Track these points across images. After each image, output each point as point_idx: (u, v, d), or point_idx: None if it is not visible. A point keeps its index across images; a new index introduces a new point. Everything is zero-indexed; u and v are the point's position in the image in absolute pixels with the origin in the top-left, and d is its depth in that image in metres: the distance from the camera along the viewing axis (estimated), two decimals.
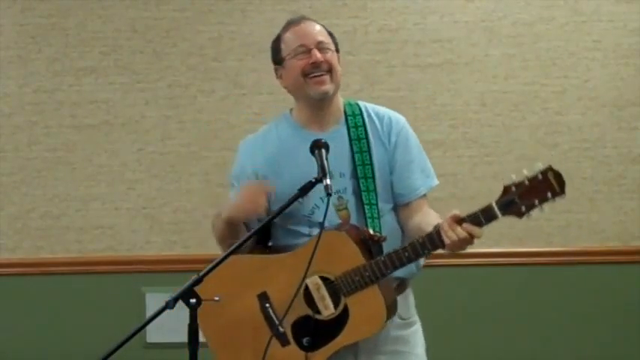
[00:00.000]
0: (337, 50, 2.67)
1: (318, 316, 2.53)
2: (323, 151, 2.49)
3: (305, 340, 2.55)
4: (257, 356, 2.54)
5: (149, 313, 3.52)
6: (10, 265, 4.04)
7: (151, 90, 4.04)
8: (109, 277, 4.03)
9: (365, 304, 2.49)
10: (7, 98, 4.05)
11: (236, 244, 2.42)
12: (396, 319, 2.62)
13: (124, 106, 4.04)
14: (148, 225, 4.05)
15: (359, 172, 2.59)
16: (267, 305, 2.60)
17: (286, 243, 2.67)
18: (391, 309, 2.54)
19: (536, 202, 2.34)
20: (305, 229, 2.63)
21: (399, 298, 2.62)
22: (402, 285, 2.65)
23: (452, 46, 4.01)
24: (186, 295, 2.26)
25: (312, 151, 2.51)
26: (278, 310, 2.58)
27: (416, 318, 2.73)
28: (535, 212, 2.36)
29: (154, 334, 3.83)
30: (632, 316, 4.00)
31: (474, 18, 4.01)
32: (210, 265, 2.33)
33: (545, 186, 2.34)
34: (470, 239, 2.38)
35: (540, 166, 2.35)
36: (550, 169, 2.35)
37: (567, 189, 4.16)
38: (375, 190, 2.59)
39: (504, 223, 4.08)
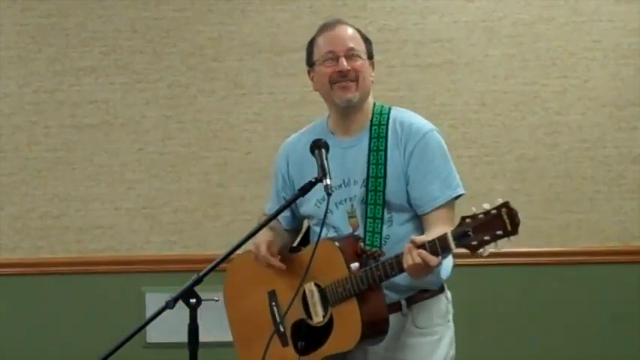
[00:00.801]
0: (371, 56, 2.66)
1: (309, 322, 2.58)
2: (323, 150, 2.50)
3: (299, 344, 2.59)
4: (263, 350, 2.59)
5: (149, 313, 3.52)
6: (10, 265, 4.04)
7: (151, 90, 4.04)
8: (109, 277, 4.04)
9: (344, 317, 2.51)
10: (7, 98, 4.05)
11: (234, 246, 2.43)
12: (410, 326, 2.63)
13: (124, 106, 4.04)
14: (148, 225, 4.05)
15: (370, 184, 2.59)
16: (274, 304, 2.67)
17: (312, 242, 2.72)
18: (374, 323, 2.52)
19: (488, 238, 2.25)
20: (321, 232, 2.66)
21: (417, 307, 2.63)
22: (419, 295, 2.64)
23: (452, 46, 4.01)
24: (186, 295, 2.26)
25: (312, 151, 2.52)
26: (283, 310, 2.64)
27: (439, 329, 2.70)
28: (489, 248, 2.27)
29: (154, 334, 3.83)
30: (632, 316, 4.00)
31: (473, 18, 4.00)
32: (211, 265, 2.34)
33: (497, 223, 2.24)
34: (425, 266, 2.34)
35: (499, 201, 2.26)
36: (505, 205, 2.25)
37: (567, 189, 4.17)
38: (382, 204, 2.58)
39: None
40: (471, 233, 2.27)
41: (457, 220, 2.34)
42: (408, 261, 2.36)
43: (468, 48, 4.01)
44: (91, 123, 4.05)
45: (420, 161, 2.60)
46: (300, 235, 2.87)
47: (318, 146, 2.51)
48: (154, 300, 3.94)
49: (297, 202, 2.66)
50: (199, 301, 2.27)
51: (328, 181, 2.41)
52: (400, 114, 2.68)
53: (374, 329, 2.53)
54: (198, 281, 2.28)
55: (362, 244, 2.55)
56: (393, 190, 2.59)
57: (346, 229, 2.63)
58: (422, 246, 2.35)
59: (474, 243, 2.27)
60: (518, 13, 4.00)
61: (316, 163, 2.48)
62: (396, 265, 2.43)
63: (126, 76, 4.03)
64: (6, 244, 4.06)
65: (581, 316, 4.00)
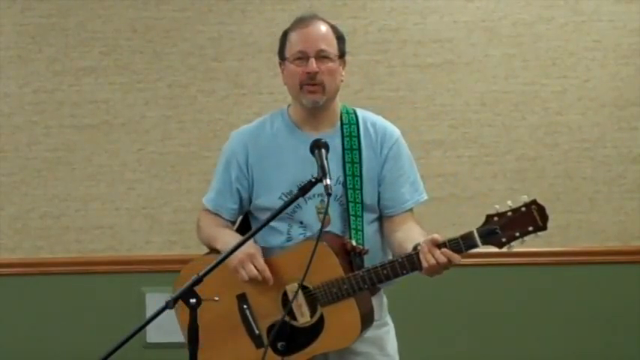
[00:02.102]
0: (342, 55, 2.66)
1: (293, 323, 2.56)
2: (323, 151, 2.51)
3: (280, 345, 2.57)
4: (233, 356, 2.60)
5: (149, 313, 3.52)
6: (10, 265, 4.03)
7: (151, 90, 4.03)
8: (109, 277, 4.03)
9: (340, 315, 2.51)
10: (7, 98, 4.04)
11: (235, 245, 2.43)
12: None
13: (124, 106, 4.04)
14: (148, 225, 4.05)
15: (348, 182, 2.61)
16: (246, 307, 2.63)
17: (263, 239, 2.67)
18: (367, 318, 2.56)
19: (517, 234, 2.38)
20: (283, 227, 2.65)
21: (372, 300, 2.63)
22: (375, 289, 2.65)
23: (452, 46, 4.01)
24: (186, 295, 2.26)
25: (312, 151, 2.52)
26: (256, 312, 2.62)
27: (388, 319, 2.75)
28: (516, 244, 2.39)
29: (154, 334, 3.83)
30: (632, 316, 4.00)
31: (473, 18, 4.00)
32: (211, 265, 2.33)
33: (527, 219, 2.37)
34: (448, 264, 2.40)
35: (525, 198, 2.38)
36: (534, 202, 2.37)
37: (567, 189, 4.18)
38: (361, 202, 2.61)
39: None
40: (499, 230, 2.37)
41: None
42: (429, 260, 2.39)
43: (468, 48, 4.01)
44: (91, 123, 4.05)
45: (394, 164, 2.66)
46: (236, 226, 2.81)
47: (318, 146, 2.52)
48: (154, 300, 3.94)
49: (255, 192, 2.68)
50: (199, 301, 2.27)
51: (328, 181, 2.41)
52: (368, 115, 2.73)
53: (368, 320, 2.56)
54: (198, 281, 2.28)
55: (353, 241, 2.56)
56: (367, 189, 2.63)
57: (315, 224, 2.59)
58: (443, 245, 2.39)
59: (503, 240, 2.38)
60: (518, 13, 4.00)
61: (316, 163, 2.48)
62: (409, 264, 2.45)
63: (126, 76, 4.03)
64: (6, 244, 4.06)
65: (581, 316, 4.00)
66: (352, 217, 2.60)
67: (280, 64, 2.73)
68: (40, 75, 4.04)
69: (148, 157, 4.05)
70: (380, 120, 2.73)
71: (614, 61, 4.00)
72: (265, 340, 2.60)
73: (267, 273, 2.57)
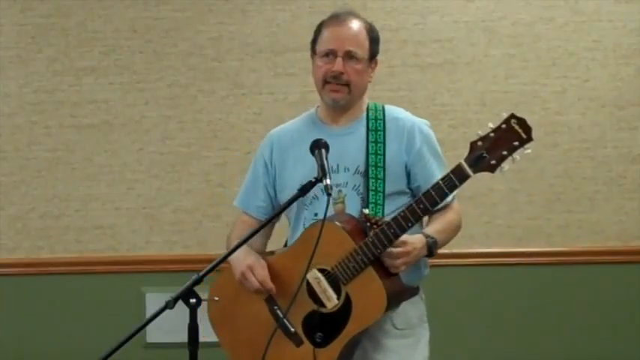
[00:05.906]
0: (373, 55, 2.68)
1: (322, 310, 2.54)
2: (323, 151, 2.50)
3: (317, 336, 2.55)
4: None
5: (149, 313, 3.52)
6: (10, 265, 4.03)
7: (151, 90, 4.03)
8: (109, 277, 4.03)
9: (364, 288, 2.49)
10: (7, 98, 4.04)
11: (234, 246, 2.44)
12: (389, 327, 2.62)
13: (124, 106, 4.04)
14: (148, 225, 4.05)
15: (370, 172, 2.61)
16: (276, 307, 2.62)
17: (292, 230, 2.73)
18: (394, 297, 2.53)
19: (505, 152, 2.32)
20: (300, 219, 2.69)
21: (406, 305, 2.62)
22: (414, 290, 2.66)
23: (452, 46, 4.01)
24: (186, 295, 2.26)
25: (312, 151, 2.53)
26: (286, 311, 2.59)
27: (416, 331, 2.70)
28: (507, 164, 2.33)
29: (154, 334, 3.83)
30: (632, 316, 4.00)
31: (474, 18, 4.00)
32: (211, 265, 2.34)
33: (510, 135, 2.33)
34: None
35: (504, 115, 2.34)
36: (513, 116, 2.33)
37: (567, 189, 4.17)
38: (383, 191, 2.61)
39: (504, 222, 4.09)
40: (485, 154, 2.34)
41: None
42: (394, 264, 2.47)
43: (468, 48, 4.01)
44: (91, 123, 4.05)
45: (428, 159, 2.68)
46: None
47: (318, 146, 2.52)
48: (153, 300, 3.94)
49: (277, 187, 2.73)
50: (199, 301, 2.27)
51: (328, 181, 2.41)
52: (396, 110, 2.74)
53: (394, 299, 2.53)
54: (198, 281, 2.29)
55: (366, 210, 2.55)
56: (390, 179, 2.62)
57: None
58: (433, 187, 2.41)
59: (493, 162, 2.34)
60: (518, 13, 4.00)
61: (316, 162, 2.48)
62: (411, 215, 2.44)
63: (126, 76, 4.03)
64: (6, 244, 4.06)
65: (582, 316, 4.00)
66: (372, 205, 2.59)
67: (311, 56, 2.74)
68: (40, 75, 4.04)
69: (148, 157, 4.05)
70: (407, 115, 2.74)
71: (614, 61, 4.00)
72: (303, 337, 2.57)
73: (268, 284, 2.60)
